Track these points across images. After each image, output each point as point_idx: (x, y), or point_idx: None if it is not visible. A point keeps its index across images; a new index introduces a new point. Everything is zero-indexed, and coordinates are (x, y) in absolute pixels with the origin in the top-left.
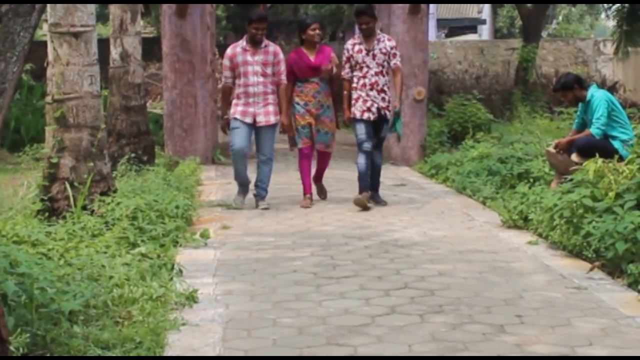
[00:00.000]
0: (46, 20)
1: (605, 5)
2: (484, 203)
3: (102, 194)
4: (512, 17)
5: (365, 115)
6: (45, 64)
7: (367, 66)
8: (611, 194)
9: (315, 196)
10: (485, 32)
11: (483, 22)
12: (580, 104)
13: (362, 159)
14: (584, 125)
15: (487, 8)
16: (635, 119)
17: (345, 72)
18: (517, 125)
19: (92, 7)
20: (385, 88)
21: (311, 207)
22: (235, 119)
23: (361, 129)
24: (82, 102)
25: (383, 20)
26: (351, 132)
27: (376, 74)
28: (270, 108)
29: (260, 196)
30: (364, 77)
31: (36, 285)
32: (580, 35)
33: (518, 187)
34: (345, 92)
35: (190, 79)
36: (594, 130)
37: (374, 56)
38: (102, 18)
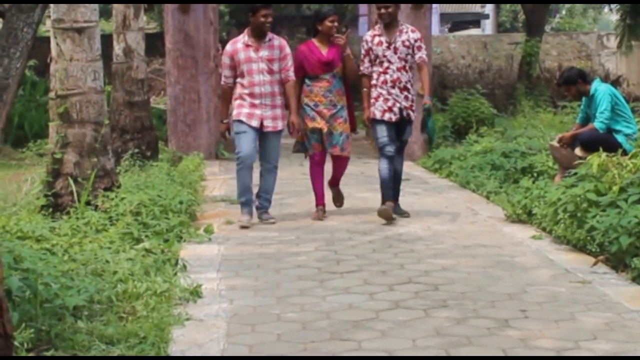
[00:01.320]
0: (49, 16)
1: None
2: (487, 197)
3: (106, 189)
4: (516, 11)
5: (387, 116)
6: (48, 60)
7: (388, 61)
8: (615, 188)
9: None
10: (488, 26)
11: (486, 16)
12: (583, 98)
13: (384, 164)
14: (587, 119)
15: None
16: (638, 113)
17: (365, 67)
18: (521, 119)
19: (95, 3)
20: (409, 86)
21: (324, 220)
22: (241, 121)
23: (382, 131)
24: (86, 98)
25: None
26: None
27: (398, 69)
28: (278, 112)
29: (263, 208)
30: (385, 72)
31: (40, 280)
32: (584, 29)
33: (522, 182)
34: (364, 90)
35: (193, 74)
36: (598, 124)
37: (395, 50)
38: (105, 14)
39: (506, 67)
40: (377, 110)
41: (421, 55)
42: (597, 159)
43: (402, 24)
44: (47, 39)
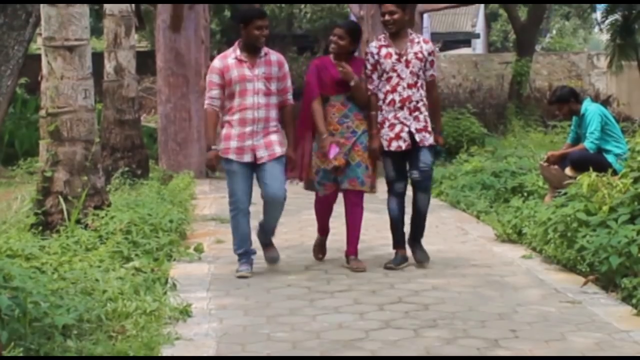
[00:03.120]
0: (40, 34)
1: (599, 18)
2: (478, 217)
3: (96, 207)
4: (506, 31)
5: (394, 145)
6: (39, 78)
7: (399, 76)
8: (605, 208)
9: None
10: (479, 45)
11: (477, 36)
12: (574, 118)
13: (393, 204)
14: (578, 139)
15: (480, 22)
16: (628, 133)
17: (375, 85)
18: (511, 139)
19: (86, 21)
20: (421, 105)
21: (323, 260)
22: (230, 160)
23: (389, 165)
24: (76, 116)
25: (377, 34)
26: None
27: (409, 86)
28: (274, 137)
29: (267, 238)
30: (393, 91)
31: (30, 299)
32: (574, 49)
33: (512, 201)
34: (372, 113)
35: (184, 92)
36: (588, 144)
37: (407, 63)
38: (97, 32)
39: (497, 86)
40: (383, 139)
41: (433, 73)
42: (587, 178)
43: (411, 33)
44: (38, 57)
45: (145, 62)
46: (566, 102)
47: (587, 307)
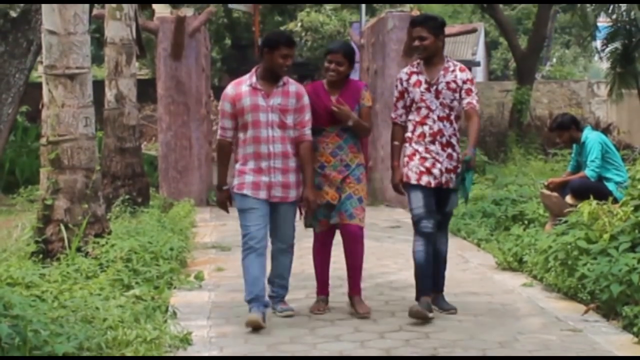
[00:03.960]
0: (41, 62)
1: (599, 47)
2: (478, 245)
3: (97, 235)
4: (506, 59)
5: (424, 180)
6: (40, 106)
7: (428, 107)
8: (605, 236)
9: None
10: (479, 74)
11: (477, 64)
12: (575, 146)
13: (420, 245)
14: (578, 167)
15: (481, 50)
16: (629, 161)
17: (397, 114)
18: (512, 167)
19: (87, 49)
20: (454, 141)
21: (324, 313)
22: (245, 195)
23: (417, 200)
24: (77, 144)
25: (377, 63)
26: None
27: (440, 119)
28: (292, 178)
29: (278, 296)
30: (422, 123)
31: (30, 327)
32: (574, 77)
33: (512, 229)
34: (394, 143)
35: (185, 120)
36: (589, 172)
37: (437, 93)
38: (97, 60)
39: (497, 114)
40: (411, 172)
41: (470, 101)
42: (588, 206)
43: (448, 60)
44: (39, 85)
45: (146, 90)
46: (567, 129)
47: (588, 335)
